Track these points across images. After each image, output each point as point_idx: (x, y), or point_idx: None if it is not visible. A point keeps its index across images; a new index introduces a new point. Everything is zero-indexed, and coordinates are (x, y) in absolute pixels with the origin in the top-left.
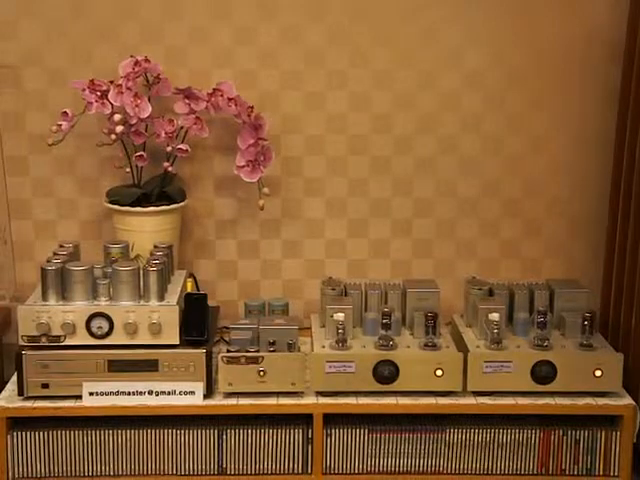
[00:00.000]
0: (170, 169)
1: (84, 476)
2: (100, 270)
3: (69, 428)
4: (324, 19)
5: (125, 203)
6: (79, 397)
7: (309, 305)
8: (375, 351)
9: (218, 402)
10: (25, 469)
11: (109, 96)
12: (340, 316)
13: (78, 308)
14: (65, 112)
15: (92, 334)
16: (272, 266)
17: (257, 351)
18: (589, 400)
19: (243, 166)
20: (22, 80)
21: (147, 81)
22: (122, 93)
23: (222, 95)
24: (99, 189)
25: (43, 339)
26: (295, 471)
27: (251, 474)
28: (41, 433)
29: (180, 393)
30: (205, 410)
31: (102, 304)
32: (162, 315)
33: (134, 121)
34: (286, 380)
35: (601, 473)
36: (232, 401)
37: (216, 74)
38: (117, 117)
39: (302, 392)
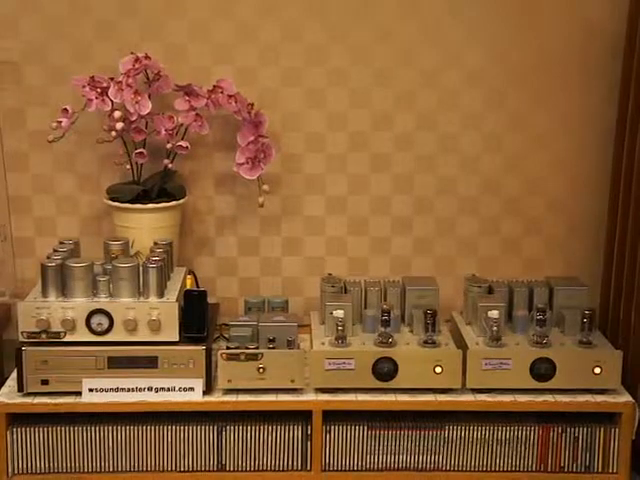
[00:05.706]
0: (170, 166)
1: (83, 472)
2: (100, 267)
3: (68, 424)
4: (325, 16)
5: (125, 200)
6: (79, 393)
7: (309, 302)
8: (374, 348)
9: (217, 399)
10: (24, 465)
11: (109, 93)
12: (340, 313)
13: (78, 304)
14: (65, 109)
15: (92, 330)
16: (272, 263)
17: (257, 348)
18: (588, 397)
19: (243, 163)
20: (23, 76)
21: (147, 78)
22: (122, 90)
23: (222, 92)
24: (99, 186)
25: (43, 335)
26: (294, 467)
27: (250, 470)
28: (41, 429)
29: (179, 389)
30: (204, 406)
31: (102, 301)
32: (162, 312)
33: (134, 118)
34: (285, 377)
35: (600, 470)
36: (231, 398)
37: (216, 71)
38: (117, 114)
39: (301, 389)
